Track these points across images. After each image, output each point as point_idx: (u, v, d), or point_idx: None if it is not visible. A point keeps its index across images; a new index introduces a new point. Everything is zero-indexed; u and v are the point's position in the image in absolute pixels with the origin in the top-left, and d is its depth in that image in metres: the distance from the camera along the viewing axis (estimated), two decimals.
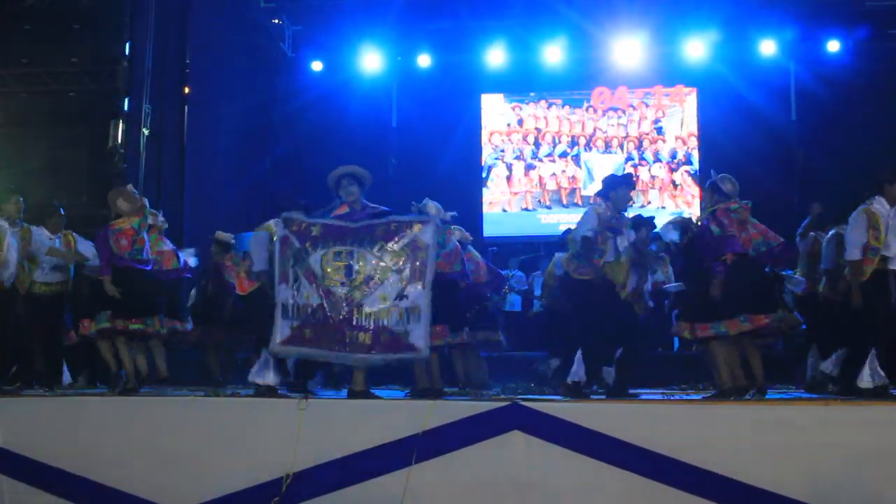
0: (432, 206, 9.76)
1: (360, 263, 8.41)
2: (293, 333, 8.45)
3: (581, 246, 9.07)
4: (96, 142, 17.56)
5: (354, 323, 8.35)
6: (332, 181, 9.01)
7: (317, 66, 19.81)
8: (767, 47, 18.62)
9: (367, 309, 8.35)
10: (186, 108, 16.75)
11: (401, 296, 8.36)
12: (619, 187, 9.44)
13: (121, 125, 16.09)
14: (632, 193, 9.80)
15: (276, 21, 19.62)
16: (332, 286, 8.39)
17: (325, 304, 8.38)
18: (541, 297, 12.17)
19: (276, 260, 8.64)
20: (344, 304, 8.35)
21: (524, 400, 8.05)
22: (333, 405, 8.57)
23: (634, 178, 9.52)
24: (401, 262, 8.40)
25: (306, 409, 8.13)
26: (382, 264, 8.39)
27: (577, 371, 9.01)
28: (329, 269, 8.41)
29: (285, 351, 8.64)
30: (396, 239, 8.42)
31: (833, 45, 18.48)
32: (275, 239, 8.75)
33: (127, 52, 16.07)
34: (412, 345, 8.31)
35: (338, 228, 8.57)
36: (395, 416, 8.06)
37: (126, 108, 15.79)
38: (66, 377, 10.87)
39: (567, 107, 19.80)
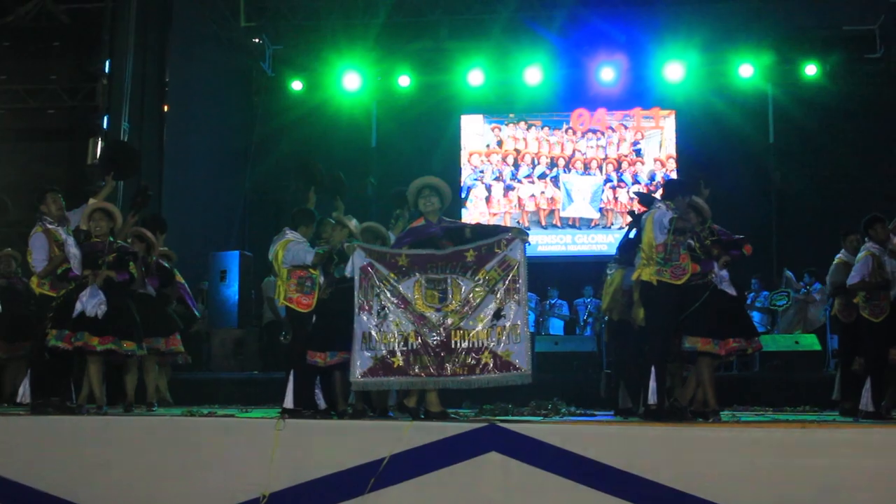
0: (353, 224, 9.72)
1: (454, 289, 8.37)
2: (376, 363, 8.33)
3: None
4: (75, 159, 17.51)
5: (453, 346, 8.30)
6: (412, 193, 8.97)
7: (297, 85, 19.88)
8: (745, 71, 18.80)
9: (465, 331, 8.31)
10: (165, 126, 16.71)
11: (498, 315, 8.33)
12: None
13: (99, 143, 16.04)
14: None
15: (257, 41, 19.67)
16: (425, 312, 8.34)
17: (420, 330, 8.32)
18: (603, 314, 11.65)
19: (356, 289, 8.50)
20: (441, 329, 8.30)
21: (501, 421, 8.04)
22: (310, 425, 8.52)
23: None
24: (494, 283, 8.36)
25: (283, 429, 8.10)
26: (477, 288, 8.35)
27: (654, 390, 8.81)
28: (422, 295, 8.37)
29: (368, 383, 8.45)
30: (487, 262, 8.38)
31: (810, 69, 18.67)
32: (356, 264, 8.62)
33: (106, 69, 16.02)
34: (516, 365, 8.25)
35: (427, 257, 8.50)
36: (372, 436, 8.03)
37: (105, 125, 15.72)
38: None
39: (546, 128, 19.86)
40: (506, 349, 8.26)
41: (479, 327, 8.33)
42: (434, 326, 8.31)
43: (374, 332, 8.38)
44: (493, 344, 8.29)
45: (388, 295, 8.40)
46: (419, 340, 8.31)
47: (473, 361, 8.24)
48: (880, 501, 7.41)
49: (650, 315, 8.92)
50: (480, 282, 8.37)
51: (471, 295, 8.37)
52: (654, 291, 8.77)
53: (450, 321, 8.32)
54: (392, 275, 8.44)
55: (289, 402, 8.99)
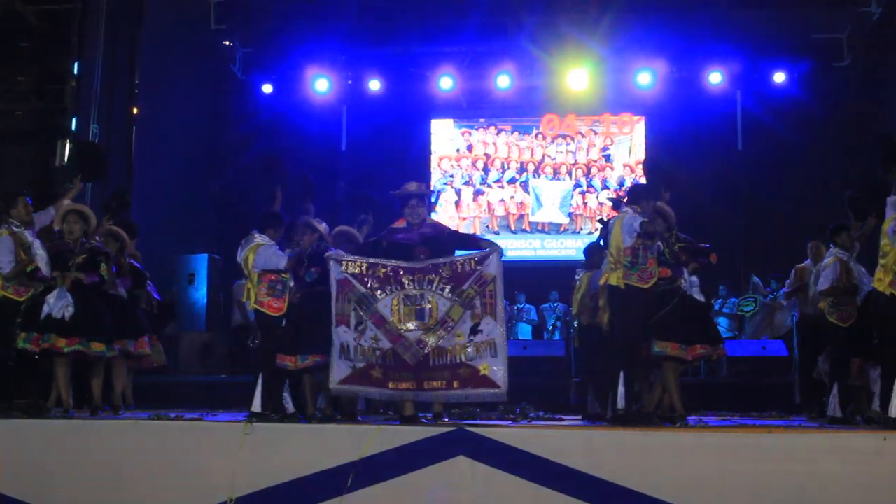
0: (323, 227, 9.73)
1: (432, 306, 8.39)
2: (355, 373, 8.41)
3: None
4: (43, 161, 17.40)
5: (431, 364, 8.35)
6: (400, 198, 8.98)
7: (267, 88, 19.82)
8: (715, 78, 18.87)
9: (443, 347, 8.35)
10: (134, 128, 16.63)
11: (475, 330, 8.36)
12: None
13: (68, 145, 15.94)
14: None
15: (227, 43, 19.61)
16: (403, 331, 8.38)
17: (398, 349, 8.36)
18: (574, 318, 11.62)
19: (333, 301, 8.54)
20: (419, 349, 8.33)
21: (470, 425, 8.04)
22: (278, 429, 8.49)
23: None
24: (471, 299, 8.39)
25: (251, 433, 8.08)
26: (455, 306, 8.37)
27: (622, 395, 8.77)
28: (400, 314, 8.40)
29: (346, 390, 8.56)
30: (464, 279, 8.40)
31: (779, 77, 18.77)
32: (334, 277, 8.63)
33: (75, 71, 15.93)
34: (492, 381, 8.30)
35: (404, 271, 8.50)
36: (339, 441, 8.00)
37: (73, 127, 15.64)
38: None
39: (516, 133, 19.92)
40: (483, 363, 8.30)
41: (456, 343, 8.37)
42: (412, 346, 8.34)
43: (351, 345, 8.43)
44: (470, 359, 8.34)
45: (365, 310, 8.43)
46: (397, 358, 8.35)
47: (451, 377, 8.30)
48: None
49: (618, 319, 8.94)
50: (458, 300, 8.40)
51: (448, 313, 8.40)
52: (622, 295, 8.78)
53: (428, 340, 8.35)
54: (370, 290, 8.47)
55: (256, 405, 8.95)
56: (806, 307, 11.07)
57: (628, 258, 8.73)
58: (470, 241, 9.47)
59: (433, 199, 19.61)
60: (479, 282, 8.43)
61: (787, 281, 11.69)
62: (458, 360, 8.33)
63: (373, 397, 8.79)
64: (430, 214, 18.94)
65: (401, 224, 8.94)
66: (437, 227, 9.14)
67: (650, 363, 9.37)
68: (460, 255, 8.64)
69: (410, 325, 8.40)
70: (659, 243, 8.90)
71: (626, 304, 8.79)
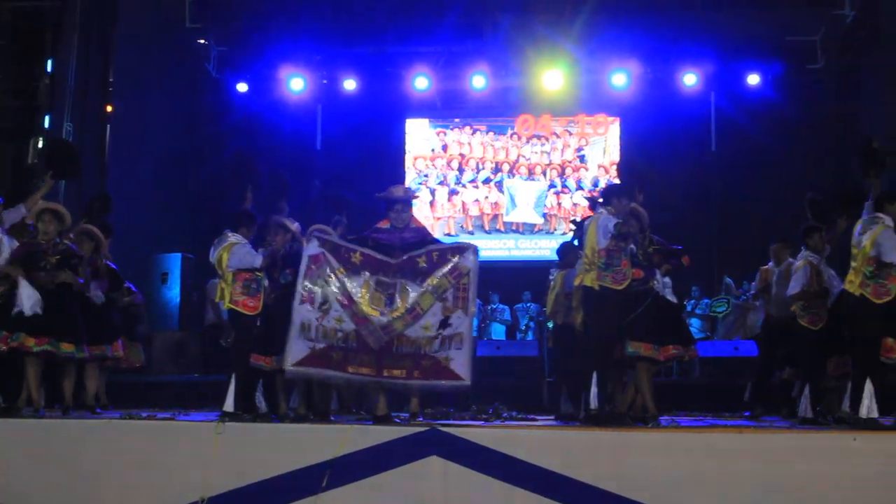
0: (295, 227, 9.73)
1: (403, 295, 8.40)
2: (313, 354, 8.34)
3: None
4: (17, 160, 17.30)
5: (394, 351, 8.33)
6: (385, 201, 9.00)
7: (242, 87, 19.74)
8: (689, 79, 18.94)
9: (408, 337, 8.33)
10: (108, 126, 16.57)
11: (445, 324, 8.36)
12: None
13: (41, 143, 15.86)
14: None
15: (202, 42, 19.54)
16: (370, 314, 8.35)
17: (361, 332, 8.34)
18: (548, 318, 11.65)
19: (301, 277, 8.51)
20: (382, 334, 8.32)
21: (442, 425, 8.05)
22: (250, 428, 8.48)
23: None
24: (444, 291, 8.40)
25: (223, 432, 8.07)
26: (426, 295, 8.38)
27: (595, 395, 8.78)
28: (369, 296, 8.38)
29: (302, 372, 8.49)
30: (439, 268, 8.43)
31: (752, 79, 18.84)
32: (307, 253, 8.62)
33: (49, 69, 15.86)
34: (454, 373, 8.30)
35: (379, 262, 8.52)
36: (312, 440, 8.01)
37: (47, 125, 15.56)
38: None
39: (491, 133, 19.94)
40: (446, 355, 8.29)
41: (424, 335, 8.36)
42: (376, 330, 8.33)
43: (313, 324, 8.39)
44: (434, 351, 8.33)
45: (334, 289, 8.41)
46: (360, 341, 8.33)
47: (412, 366, 8.27)
48: None
49: (592, 320, 8.98)
50: (430, 289, 8.40)
51: (418, 301, 8.39)
52: (596, 296, 8.81)
53: (394, 327, 8.34)
54: (342, 269, 8.45)
55: (229, 405, 8.93)
56: (770, 308, 11.16)
57: (603, 259, 8.75)
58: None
59: None
60: (455, 273, 8.45)
61: (753, 283, 11.83)
62: (422, 352, 8.33)
63: (330, 380, 8.70)
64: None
65: (385, 225, 8.96)
66: (421, 232, 9.13)
67: (623, 364, 9.41)
68: (439, 245, 8.66)
69: (378, 310, 8.39)
70: (632, 245, 8.93)
71: (600, 305, 8.82)
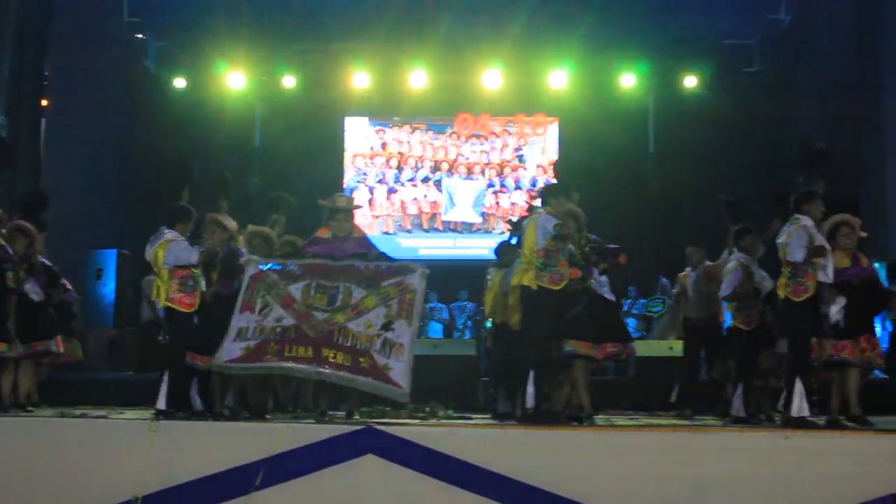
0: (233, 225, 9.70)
1: (346, 294, 8.44)
2: (247, 353, 8.39)
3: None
4: None
5: (334, 340, 8.32)
6: (325, 208, 8.97)
7: (179, 83, 19.57)
8: (627, 80, 19.06)
9: (350, 329, 8.34)
10: (43, 120, 16.38)
11: (387, 327, 8.37)
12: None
13: None
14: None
15: (140, 36, 19.35)
16: (312, 311, 8.39)
17: (302, 325, 8.36)
18: (486, 318, 11.65)
19: (242, 291, 8.53)
20: (324, 325, 8.34)
21: (379, 424, 8.05)
22: (185, 427, 8.44)
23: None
24: (388, 298, 8.43)
25: (157, 431, 8.01)
26: (370, 296, 8.41)
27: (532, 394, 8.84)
28: (310, 297, 8.43)
29: (230, 367, 8.52)
30: (385, 279, 8.49)
31: (690, 81, 19.02)
32: (247, 273, 8.56)
33: None
34: (395, 381, 8.27)
35: (321, 266, 8.58)
36: (248, 438, 7.98)
37: None
38: None
39: (430, 132, 19.95)
40: (385, 363, 8.30)
41: (366, 331, 8.37)
42: (317, 323, 8.35)
43: (251, 327, 8.39)
44: (375, 353, 8.33)
45: (276, 294, 8.40)
46: (298, 333, 8.33)
47: (353, 361, 8.27)
48: (746, 503, 7.62)
49: (529, 319, 9.01)
50: (374, 292, 8.43)
51: (362, 300, 8.42)
52: (534, 296, 8.85)
53: (335, 318, 8.35)
54: (283, 281, 8.46)
55: (161, 403, 8.87)
56: (688, 311, 11.33)
57: (541, 259, 8.80)
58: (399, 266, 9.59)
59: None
60: (400, 287, 8.47)
61: (674, 290, 12.01)
62: (363, 347, 8.33)
63: (263, 372, 8.71)
64: None
65: (325, 233, 8.95)
66: (364, 244, 9.14)
67: (560, 362, 9.46)
68: (386, 262, 8.71)
69: (320, 307, 8.40)
70: (570, 244, 8.98)
71: (538, 305, 8.87)
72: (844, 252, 8.98)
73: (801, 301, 8.61)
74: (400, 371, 8.29)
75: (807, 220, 8.75)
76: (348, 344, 8.34)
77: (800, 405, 8.51)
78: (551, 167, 19.25)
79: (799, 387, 8.53)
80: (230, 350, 8.38)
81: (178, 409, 8.91)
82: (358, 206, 9.28)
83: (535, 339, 8.94)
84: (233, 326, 8.43)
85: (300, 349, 8.31)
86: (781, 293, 8.76)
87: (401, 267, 8.73)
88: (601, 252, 9.49)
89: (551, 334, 9.03)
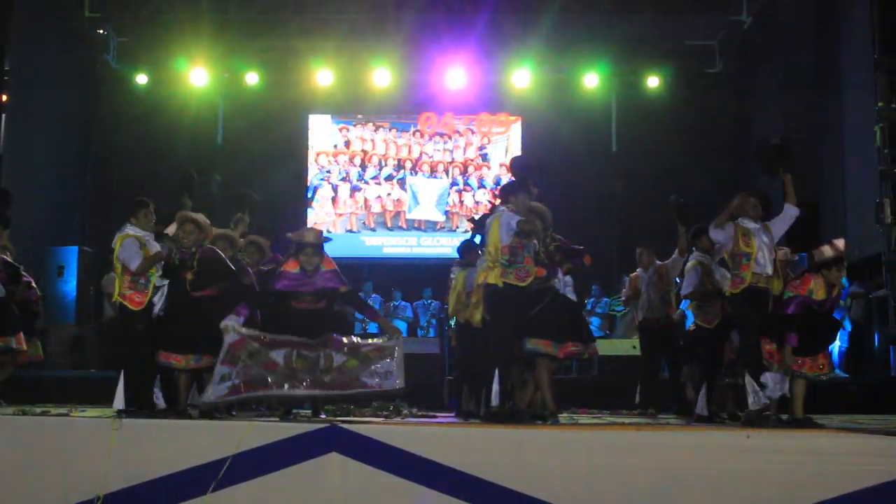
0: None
1: (326, 359, 8.57)
2: (232, 389, 8.45)
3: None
4: None
5: (326, 380, 8.52)
6: (296, 243, 8.99)
7: (141, 79, 19.46)
8: (590, 80, 19.13)
9: (339, 369, 8.55)
10: (3, 116, 16.23)
11: (373, 371, 8.65)
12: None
13: None
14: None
15: (101, 32, 19.22)
16: (295, 372, 8.52)
17: (286, 371, 8.50)
18: (450, 316, 11.68)
19: (221, 355, 8.46)
20: (310, 366, 8.54)
21: (343, 422, 8.04)
22: (148, 425, 8.38)
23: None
24: (370, 359, 8.65)
25: (120, 429, 7.96)
26: (352, 360, 8.59)
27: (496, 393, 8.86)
28: (293, 361, 8.52)
29: (229, 399, 8.61)
30: (363, 347, 8.68)
31: (652, 81, 19.12)
32: (227, 341, 8.52)
33: None
34: (389, 388, 8.64)
35: (300, 341, 8.60)
36: (211, 437, 7.92)
37: None
38: None
39: (394, 130, 19.94)
40: (376, 381, 8.54)
41: (354, 375, 8.58)
42: (300, 370, 8.46)
43: (234, 372, 8.41)
44: (366, 378, 8.55)
45: (256, 360, 8.43)
46: (287, 373, 8.50)
47: (347, 382, 8.46)
48: (707, 501, 7.66)
49: (494, 317, 9.03)
50: (355, 356, 8.55)
51: (345, 363, 8.54)
52: (500, 293, 8.87)
53: (321, 363, 8.49)
54: (264, 349, 8.48)
55: (119, 402, 8.83)
56: (643, 312, 11.42)
57: (506, 257, 8.81)
58: (366, 311, 9.67)
59: (309, 195, 19.56)
60: (381, 350, 8.63)
61: (624, 290, 12.09)
62: (352, 378, 8.53)
63: (257, 399, 8.77)
64: (306, 211, 19.00)
65: (293, 267, 8.93)
66: (334, 278, 9.10)
67: (524, 361, 9.48)
68: (365, 343, 8.74)
69: (303, 369, 8.49)
70: (535, 242, 8.99)
71: (503, 303, 8.88)
72: (826, 284, 8.99)
73: (738, 292, 8.71)
74: (394, 379, 8.58)
75: (701, 257, 9.05)
76: (341, 379, 8.55)
77: (754, 400, 8.64)
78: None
79: (751, 383, 8.65)
80: (218, 390, 8.39)
81: (141, 407, 8.85)
82: (327, 240, 9.23)
83: (499, 337, 8.95)
84: (216, 372, 8.44)
85: (294, 378, 8.38)
86: (728, 292, 8.94)
87: (380, 348, 8.79)
88: (566, 252, 9.51)
89: (516, 332, 9.04)
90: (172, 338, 9.08)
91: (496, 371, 8.77)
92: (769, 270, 8.78)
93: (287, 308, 8.94)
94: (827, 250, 8.93)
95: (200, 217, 9.29)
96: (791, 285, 8.92)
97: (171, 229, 9.21)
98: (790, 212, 9.07)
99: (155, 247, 9.09)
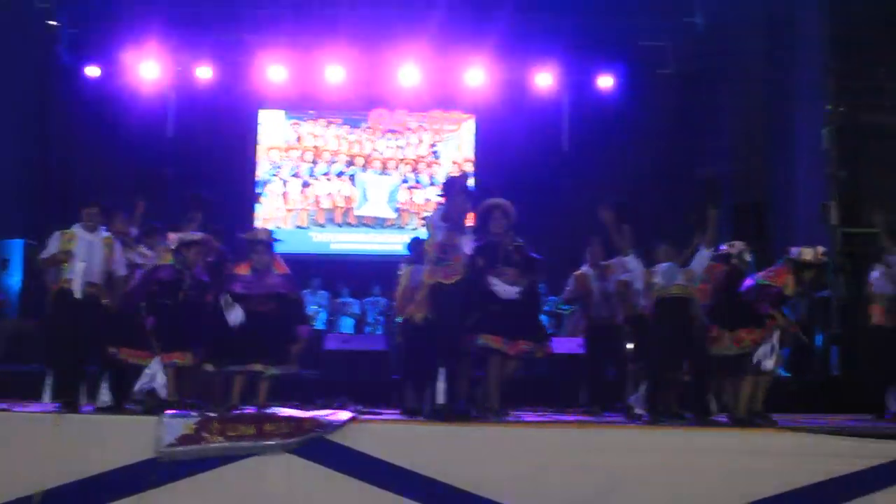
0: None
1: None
2: (188, 433, 8.11)
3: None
4: None
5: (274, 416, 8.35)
6: (248, 241, 9.11)
7: (93, 71, 19.27)
8: (543, 79, 19.16)
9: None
10: None
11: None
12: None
13: None
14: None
15: (52, 23, 19.03)
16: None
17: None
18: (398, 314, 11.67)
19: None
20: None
21: None
22: (91, 421, 8.34)
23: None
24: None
25: (62, 424, 7.91)
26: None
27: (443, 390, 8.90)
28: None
29: (176, 453, 8.04)
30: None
31: (605, 81, 19.18)
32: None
33: None
34: (342, 422, 8.22)
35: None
36: (152, 433, 7.89)
37: None
38: None
39: (346, 126, 19.88)
40: (328, 421, 8.26)
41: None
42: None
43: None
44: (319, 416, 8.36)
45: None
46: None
47: (296, 426, 8.13)
48: (650, 498, 7.74)
49: (436, 315, 9.07)
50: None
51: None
52: (436, 291, 8.96)
53: None
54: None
55: (46, 397, 8.83)
56: (591, 310, 11.49)
57: (436, 254, 8.91)
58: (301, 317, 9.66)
59: (259, 191, 19.49)
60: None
61: (567, 288, 12.14)
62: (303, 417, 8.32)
63: (206, 455, 8.46)
64: (254, 206, 18.92)
65: (244, 270, 8.97)
66: (287, 284, 9.19)
67: (470, 358, 9.52)
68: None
69: None
70: (467, 241, 9.05)
71: (440, 300, 8.98)
72: (797, 283, 9.21)
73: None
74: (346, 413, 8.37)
75: None
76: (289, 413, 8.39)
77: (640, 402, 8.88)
78: (467, 164, 19.43)
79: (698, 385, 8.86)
80: (171, 426, 8.09)
81: (64, 404, 8.75)
82: (278, 240, 9.28)
83: (443, 335, 8.99)
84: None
85: (242, 427, 8.16)
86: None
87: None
88: (525, 265, 9.57)
89: (458, 329, 9.07)
90: (125, 334, 9.05)
91: (441, 369, 8.81)
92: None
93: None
94: (808, 253, 9.13)
95: (203, 237, 9.35)
96: (764, 274, 9.13)
97: (173, 238, 9.28)
98: (703, 253, 9.50)
99: (90, 245, 9.09)
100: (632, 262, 9.97)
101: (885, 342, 11.03)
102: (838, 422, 9.68)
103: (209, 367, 9.08)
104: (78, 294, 8.98)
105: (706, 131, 18.86)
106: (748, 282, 9.29)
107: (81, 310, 9.01)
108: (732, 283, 9.47)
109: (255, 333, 8.99)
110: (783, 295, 9.15)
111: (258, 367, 9.04)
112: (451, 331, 8.99)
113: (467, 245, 9.00)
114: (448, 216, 9.00)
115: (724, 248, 9.85)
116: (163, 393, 8.83)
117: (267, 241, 9.13)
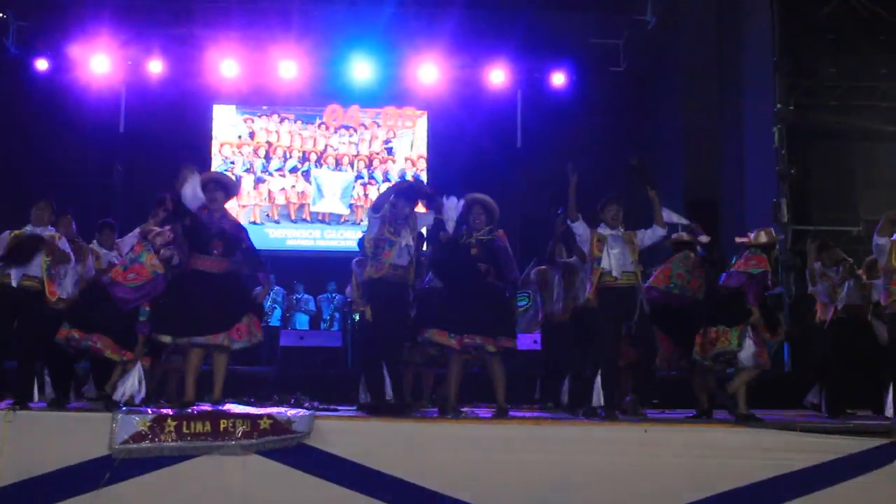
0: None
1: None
2: (143, 429, 7.85)
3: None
4: None
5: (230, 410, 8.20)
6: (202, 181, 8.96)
7: (42, 65, 19.04)
8: (496, 76, 19.18)
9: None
10: None
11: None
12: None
13: None
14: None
15: (0, 15, 18.81)
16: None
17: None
18: (353, 311, 11.63)
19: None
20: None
21: None
22: (43, 417, 8.24)
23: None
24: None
25: (13, 420, 7.82)
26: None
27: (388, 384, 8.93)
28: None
29: (133, 450, 7.80)
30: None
31: (558, 78, 19.24)
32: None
33: None
34: (294, 430, 7.93)
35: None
36: (107, 429, 7.81)
37: None
38: None
39: (299, 122, 19.85)
40: (287, 418, 8.03)
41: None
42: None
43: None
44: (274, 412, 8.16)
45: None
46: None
47: (252, 424, 7.93)
48: (606, 494, 7.78)
49: (373, 311, 9.14)
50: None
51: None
52: (368, 285, 9.22)
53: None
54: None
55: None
56: (550, 306, 11.53)
57: (371, 249, 9.07)
58: (258, 265, 9.48)
59: None
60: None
61: (530, 283, 12.20)
62: (259, 414, 8.08)
63: (163, 454, 8.27)
64: None
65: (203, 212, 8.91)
66: (238, 230, 9.14)
67: (420, 353, 9.58)
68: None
69: None
70: (410, 241, 9.09)
71: (371, 295, 9.19)
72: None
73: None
74: (304, 421, 7.98)
75: None
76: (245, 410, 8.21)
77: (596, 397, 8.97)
78: (420, 160, 19.44)
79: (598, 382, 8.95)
80: (126, 423, 7.83)
81: (20, 397, 8.64)
82: (232, 182, 9.27)
83: (381, 331, 9.04)
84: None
85: (198, 424, 7.99)
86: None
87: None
88: (485, 258, 9.60)
89: (395, 324, 9.09)
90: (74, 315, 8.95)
91: (383, 363, 8.90)
92: (616, 274, 9.19)
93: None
94: (763, 235, 9.27)
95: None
96: (744, 263, 9.20)
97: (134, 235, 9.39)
98: (657, 231, 9.54)
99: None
100: (580, 227, 9.94)
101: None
102: (790, 417, 9.76)
103: (165, 339, 8.76)
104: (14, 284, 8.86)
105: (657, 129, 19.00)
106: (733, 276, 9.33)
107: (20, 302, 8.90)
108: (714, 282, 9.55)
109: (213, 304, 8.70)
110: (768, 281, 9.28)
111: (220, 339, 8.65)
112: (387, 326, 9.02)
113: (407, 238, 9.08)
114: (378, 207, 9.20)
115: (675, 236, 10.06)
116: (137, 399, 8.71)
117: (218, 180, 9.12)
